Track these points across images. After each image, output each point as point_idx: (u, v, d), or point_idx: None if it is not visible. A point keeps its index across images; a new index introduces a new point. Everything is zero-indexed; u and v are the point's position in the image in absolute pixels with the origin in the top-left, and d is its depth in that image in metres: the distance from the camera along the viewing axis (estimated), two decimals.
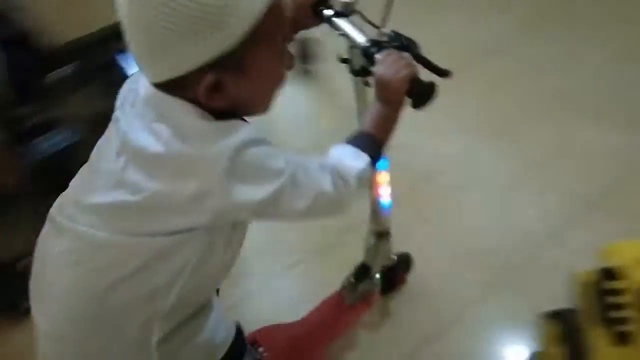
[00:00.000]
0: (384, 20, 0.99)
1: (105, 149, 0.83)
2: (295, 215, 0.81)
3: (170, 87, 0.74)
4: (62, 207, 0.85)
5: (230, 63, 0.72)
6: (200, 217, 0.74)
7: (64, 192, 0.88)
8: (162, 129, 0.73)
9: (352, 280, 1.50)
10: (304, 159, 0.83)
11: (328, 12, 1.00)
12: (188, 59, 0.70)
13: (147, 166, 0.75)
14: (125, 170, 0.76)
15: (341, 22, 1.00)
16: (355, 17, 1.00)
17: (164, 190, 0.73)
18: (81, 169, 0.87)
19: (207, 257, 0.79)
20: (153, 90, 0.76)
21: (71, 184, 0.88)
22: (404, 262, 1.59)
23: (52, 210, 0.86)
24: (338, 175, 0.84)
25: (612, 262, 1.05)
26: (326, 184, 0.82)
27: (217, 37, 0.68)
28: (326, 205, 0.84)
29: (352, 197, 0.87)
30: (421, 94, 0.91)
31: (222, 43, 0.69)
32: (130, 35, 0.72)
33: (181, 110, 0.74)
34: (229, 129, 0.74)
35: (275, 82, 0.82)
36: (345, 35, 1.00)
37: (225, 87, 0.73)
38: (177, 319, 0.85)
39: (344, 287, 1.51)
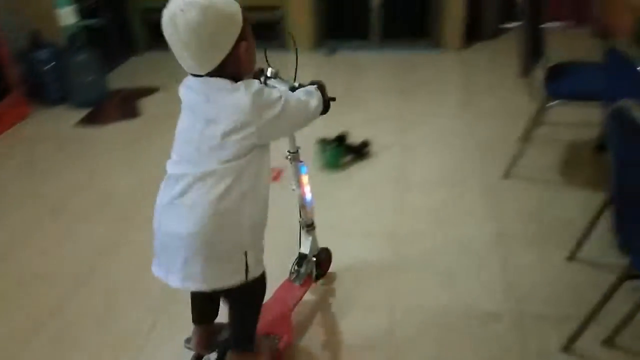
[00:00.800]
0: (295, 78, 1.78)
1: (186, 125, 1.45)
2: (295, 122, 1.54)
3: (214, 72, 1.36)
4: (176, 166, 1.46)
5: (243, 35, 1.35)
6: (252, 137, 1.37)
7: (170, 160, 1.49)
8: (216, 97, 1.37)
9: (296, 268, 2.13)
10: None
11: (263, 78, 1.77)
12: (230, 39, 1.33)
13: (216, 120, 1.37)
14: (206, 132, 1.39)
15: (273, 82, 1.76)
16: (278, 79, 1.78)
17: (228, 128, 1.36)
18: (174, 146, 1.48)
19: (261, 170, 1.46)
20: (201, 80, 1.38)
21: (172, 155, 1.49)
22: (326, 253, 2.28)
23: (169, 170, 1.47)
24: (306, 92, 1.59)
25: None
26: (302, 97, 1.55)
27: (237, 20, 1.34)
28: (303, 113, 1.55)
29: (318, 107, 1.60)
30: (328, 104, 1.69)
31: (238, 24, 1.34)
32: (183, 50, 1.31)
33: (223, 82, 1.37)
34: (249, 84, 1.38)
35: (255, 53, 1.47)
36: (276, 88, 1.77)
37: (246, 51, 1.37)
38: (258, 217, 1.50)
39: (291, 274, 2.13)
